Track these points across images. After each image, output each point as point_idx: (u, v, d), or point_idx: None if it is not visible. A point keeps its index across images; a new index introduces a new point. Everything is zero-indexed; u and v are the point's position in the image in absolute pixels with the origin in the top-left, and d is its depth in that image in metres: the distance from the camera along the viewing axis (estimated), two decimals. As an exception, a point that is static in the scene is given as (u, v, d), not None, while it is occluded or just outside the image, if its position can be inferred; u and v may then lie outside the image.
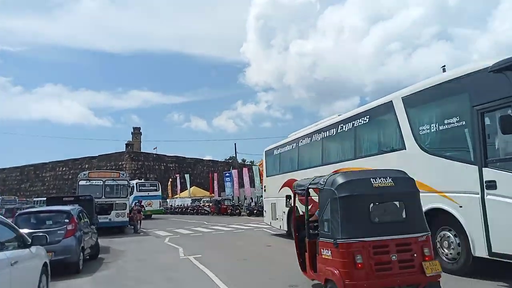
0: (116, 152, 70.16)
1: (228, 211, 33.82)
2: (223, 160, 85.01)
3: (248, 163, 70.02)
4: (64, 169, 71.43)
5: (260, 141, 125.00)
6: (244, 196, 40.97)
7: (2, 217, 5.16)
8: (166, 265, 9.35)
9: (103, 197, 18.26)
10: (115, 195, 18.89)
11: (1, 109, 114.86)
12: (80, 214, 9.82)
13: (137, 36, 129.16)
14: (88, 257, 10.05)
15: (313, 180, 5.67)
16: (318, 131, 11.46)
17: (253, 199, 37.54)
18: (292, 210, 7.06)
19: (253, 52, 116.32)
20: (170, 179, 55.08)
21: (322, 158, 11.11)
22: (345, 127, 9.87)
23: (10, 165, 78.50)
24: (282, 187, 13.36)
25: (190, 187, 48.64)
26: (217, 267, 8.40)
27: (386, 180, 4.82)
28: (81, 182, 18.36)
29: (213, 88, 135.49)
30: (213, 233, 17.32)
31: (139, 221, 20.41)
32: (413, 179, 5.13)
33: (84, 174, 18.92)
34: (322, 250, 5.04)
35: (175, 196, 51.42)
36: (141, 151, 74.93)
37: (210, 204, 38.30)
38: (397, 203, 4.98)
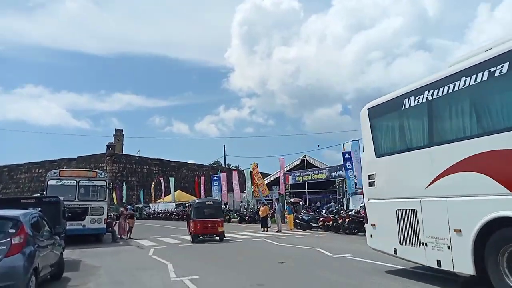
0: (96, 154, 66.76)
1: (217, 217, 31.21)
2: (208, 164, 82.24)
3: (233, 167, 67.41)
4: (40, 170, 67.47)
5: (244, 146, 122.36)
6: (233, 201, 38.53)
7: None
8: (153, 291, 6.91)
9: (77, 199, 15.61)
10: (91, 198, 16.24)
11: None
12: (38, 222, 7.29)
13: (121, 38, 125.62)
14: (49, 276, 7.54)
15: None
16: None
17: (245, 204, 35.24)
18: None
19: (237, 57, 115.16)
20: (153, 183, 52.12)
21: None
22: None
23: (-18, 166, 73.88)
24: (443, 174, 6.09)
25: (175, 191, 45.90)
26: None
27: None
28: (51, 182, 15.63)
29: (197, 93, 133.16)
30: (205, 244, 14.85)
31: (130, 229, 18.12)
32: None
33: (55, 173, 16.16)
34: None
35: (158, 201, 48.52)
36: (123, 153, 71.59)
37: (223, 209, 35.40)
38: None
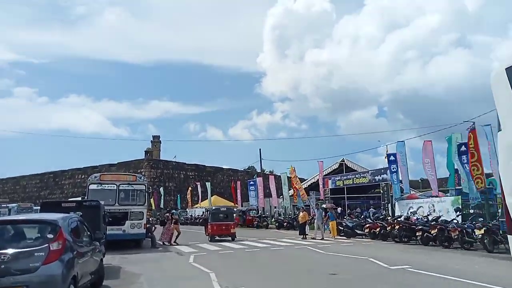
0: (135, 160, 68.22)
1: (254, 222, 30.71)
2: (242, 169, 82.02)
3: (267, 172, 66.71)
4: (82, 176, 69.74)
5: (277, 151, 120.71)
6: (270, 206, 37.80)
7: None
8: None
9: (117, 204, 15.45)
10: (131, 202, 16.06)
11: (27, 119, 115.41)
12: (77, 226, 6.93)
13: (158, 47, 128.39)
14: (89, 285, 7.15)
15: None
16: None
17: (280, 210, 34.48)
18: None
19: (269, 62, 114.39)
20: (190, 188, 52.35)
21: None
22: None
23: (30, 173, 77.65)
24: None
25: (211, 196, 45.77)
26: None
27: None
28: (92, 186, 15.57)
29: (230, 98, 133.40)
30: (246, 250, 14.23)
31: (176, 235, 17.78)
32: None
33: (95, 177, 16.12)
34: None
35: (195, 206, 48.59)
36: (161, 159, 72.83)
37: (234, 214, 35.02)
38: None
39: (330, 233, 19.06)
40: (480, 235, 11.85)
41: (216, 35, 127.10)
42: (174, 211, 21.75)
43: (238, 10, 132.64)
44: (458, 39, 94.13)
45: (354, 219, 19.70)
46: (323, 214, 19.88)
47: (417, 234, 14.46)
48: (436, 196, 20.52)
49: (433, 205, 19.66)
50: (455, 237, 12.78)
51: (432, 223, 14.07)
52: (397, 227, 15.34)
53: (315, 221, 20.19)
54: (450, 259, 10.61)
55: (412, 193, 23.75)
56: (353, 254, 12.12)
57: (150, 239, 16.57)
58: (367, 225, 17.62)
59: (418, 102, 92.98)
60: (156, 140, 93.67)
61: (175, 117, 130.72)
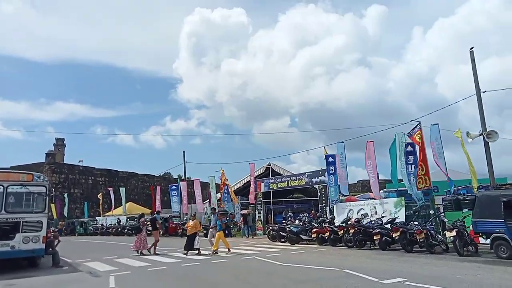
0: (33, 163, 59.38)
1: (179, 231, 27.47)
2: (158, 175, 77.11)
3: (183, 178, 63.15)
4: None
5: (194, 158, 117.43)
6: (195, 213, 34.76)
7: None
8: None
9: (3, 211, 11.46)
10: (25, 209, 12.13)
11: None
12: None
13: (64, 44, 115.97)
14: None
15: None
16: None
17: (205, 216, 31.91)
18: None
19: (185, 68, 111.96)
20: (101, 194, 46.68)
21: None
22: None
23: None
24: None
25: (126, 202, 41.10)
26: None
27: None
28: (-33, 188, 11.34)
29: (144, 103, 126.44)
30: (182, 265, 11.39)
31: (155, 243, 15.16)
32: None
33: (-28, 176, 11.86)
34: None
35: (107, 214, 43.26)
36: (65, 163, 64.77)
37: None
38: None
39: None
40: (451, 238, 10.71)
41: (131, 37, 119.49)
42: (156, 215, 18.15)
43: (155, 13, 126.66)
44: (360, 59, 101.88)
45: (299, 224, 17.89)
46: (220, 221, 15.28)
47: (374, 238, 13.05)
48: (374, 199, 19.82)
49: (375, 207, 18.79)
50: (421, 240, 11.54)
51: (394, 226, 12.74)
52: (351, 231, 13.79)
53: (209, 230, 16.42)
54: (439, 267, 9.13)
55: (349, 195, 22.94)
56: (316, 264, 10.10)
57: (51, 255, 12.73)
58: (315, 230, 15.91)
59: (325, 114, 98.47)
60: (60, 143, 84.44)
61: (82, 121, 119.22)
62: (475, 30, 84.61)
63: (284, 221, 24.14)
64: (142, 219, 16.47)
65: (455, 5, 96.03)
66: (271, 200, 30.96)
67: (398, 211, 17.14)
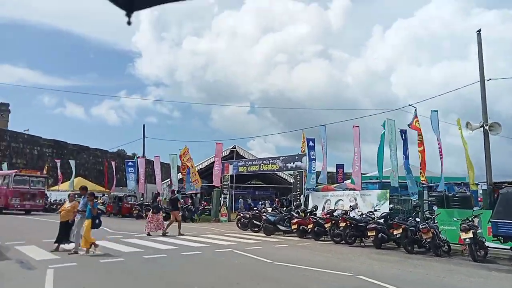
0: (-32, 127, 53.24)
1: (134, 212, 24.77)
2: (111, 150, 72.66)
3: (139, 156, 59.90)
4: None
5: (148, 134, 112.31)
6: (152, 193, 32.04)
7: None
8: None
9: None
10: None
11: None
12: None
13: (16, 2, 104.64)
14: None
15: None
16: None
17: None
18: None
19: (145, 42, 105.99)
20: (47, 166, 42.43)
21: None
22: None
23: None
24: None
25: (75, 177, 37.49)
26: None
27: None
28: None
29: (99, 75, 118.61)
30: (144, 257, 9.07)
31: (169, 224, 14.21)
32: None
33: None
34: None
35: (52, 188, 39.25)
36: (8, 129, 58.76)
37: (104, 202, 28.11)
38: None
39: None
40: (467, 240, 9.22)
41: (89, 3, 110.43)
42: (178, 195, 15.97)
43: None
44: (321, 51, 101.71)
45: (276, 213, 15.99)
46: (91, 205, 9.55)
47: (369, 234, 11.41)
48: (354, 190, 18.42)
49: (355, 199, 17.35)
50: (428, 240, 10.01)
51: (395, 222, 11.13)
52: (342, 224, 12.06)
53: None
54: (473, 278, 7.51)
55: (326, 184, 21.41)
56: (318, 266, 8.23)
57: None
58: (295, 220, 14.08)
59: (284, 103, 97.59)
60: (4, 108, 77.53)
61: (31, 87, 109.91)
62: (431, 34, 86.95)
63: (254, 208, 22.31)
64: (158, 197, 15.37)
65: (416, 7, 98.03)
66: (234, 185, 29.07)
67: (382, 204, 15.77)
